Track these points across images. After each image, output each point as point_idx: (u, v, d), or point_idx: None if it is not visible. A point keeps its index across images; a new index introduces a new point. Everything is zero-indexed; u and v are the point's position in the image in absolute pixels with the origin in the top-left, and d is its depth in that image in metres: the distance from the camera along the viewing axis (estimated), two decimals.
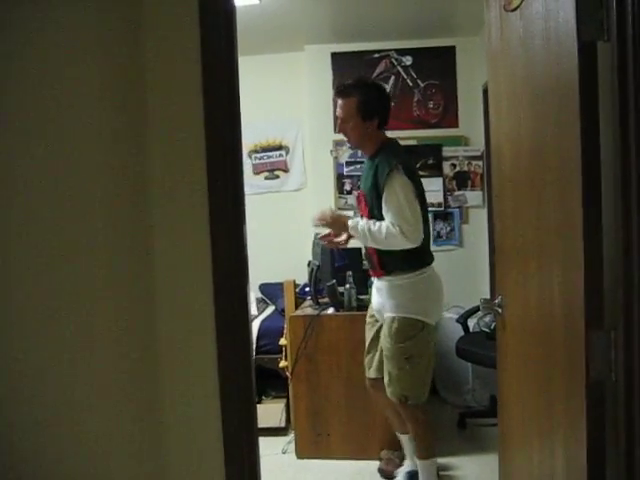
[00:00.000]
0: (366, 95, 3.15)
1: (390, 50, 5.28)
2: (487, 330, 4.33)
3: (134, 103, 1.72)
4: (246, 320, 1.80)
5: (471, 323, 4.69)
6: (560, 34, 1.65)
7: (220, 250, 1.75)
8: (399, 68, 5.25)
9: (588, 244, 1.53)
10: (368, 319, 3.48)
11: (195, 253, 1.77)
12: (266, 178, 5.59)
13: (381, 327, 3.29)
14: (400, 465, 3.62)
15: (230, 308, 1.76)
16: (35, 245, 1.45)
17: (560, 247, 1.73)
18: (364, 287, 4.04)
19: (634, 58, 1.45)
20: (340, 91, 3.24)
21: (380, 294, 3.28)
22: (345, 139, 3.30)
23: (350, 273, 3.96)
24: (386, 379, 3.23)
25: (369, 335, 3.44)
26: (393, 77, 5.26)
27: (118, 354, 1.62)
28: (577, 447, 1.64)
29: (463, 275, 5.20)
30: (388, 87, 5.24)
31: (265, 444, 4.08)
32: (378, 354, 3.35)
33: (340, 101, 3.20)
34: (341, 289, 3.98)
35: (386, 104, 3.25)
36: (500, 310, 2.31)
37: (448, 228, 5.26)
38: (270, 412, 4.25)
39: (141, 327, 1.74)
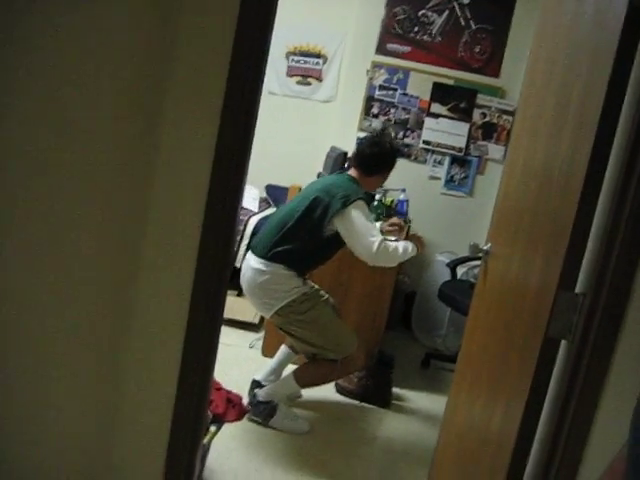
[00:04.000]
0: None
1: None
2: (474, 281, 4.40)
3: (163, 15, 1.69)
4: (234, 215, 1.80)
5: (460, 271, 4.75)
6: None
7: (225, 144, 1.74)
8: (455, 4, 5.11)
9: (582, 206, 1.55)
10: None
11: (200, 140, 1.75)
12: (298, 83, 5.53)
13: None
14: (357, 383, 3.75)
15: (221, 203, 1.78)
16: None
17: (556, 205, 1.75)
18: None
19: None
20: None
21: None
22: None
23: None
24: None
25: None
26: (447, 12, 5.12)
27: (105, 233, 1.68)
28: (519, 398, 1.71)
29: (464, 223, 5.21)
30: (440, 20, 5.13)
31: (236, 335, 4.27)
32: None
33: None
34: None
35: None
36: (486, 257, 2.35)
37: (462, 175, 5.24)
38: (246, 307, 4.34)
39: (131, 212, 1.76)
